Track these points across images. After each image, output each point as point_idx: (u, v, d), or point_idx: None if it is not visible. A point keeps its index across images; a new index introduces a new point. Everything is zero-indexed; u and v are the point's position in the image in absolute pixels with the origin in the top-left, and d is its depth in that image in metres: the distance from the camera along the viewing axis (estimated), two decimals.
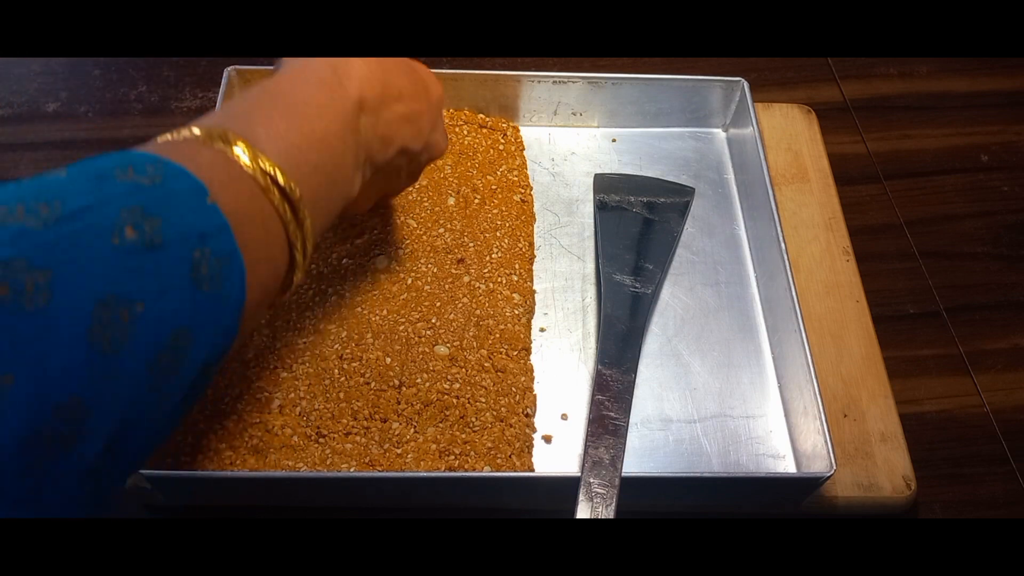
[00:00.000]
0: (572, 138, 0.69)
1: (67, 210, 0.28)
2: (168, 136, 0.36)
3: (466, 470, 0.50)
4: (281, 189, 0.36)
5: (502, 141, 0.66)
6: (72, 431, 0.27)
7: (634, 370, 0.54)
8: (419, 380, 0.53)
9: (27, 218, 0.27)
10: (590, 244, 0.62)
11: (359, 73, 0.43)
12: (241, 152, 0.35)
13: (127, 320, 0.28)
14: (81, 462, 0.28)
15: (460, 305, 0.56)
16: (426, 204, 0.61)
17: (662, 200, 0.64)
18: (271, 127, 0.37)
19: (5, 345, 0.25)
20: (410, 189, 0.62)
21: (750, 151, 0.64)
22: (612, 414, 0.51)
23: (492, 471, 0.50)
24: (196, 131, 0.35)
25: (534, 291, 0.59)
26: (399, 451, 0.50)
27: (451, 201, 0.61)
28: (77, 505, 0.29)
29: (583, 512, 0.47)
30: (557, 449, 0.53)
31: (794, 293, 0.55)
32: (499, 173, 0.64)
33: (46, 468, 0.27)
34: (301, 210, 0.37)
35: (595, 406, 0.52)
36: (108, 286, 0.28)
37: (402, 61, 0.48)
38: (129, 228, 0.29)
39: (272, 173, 0.36)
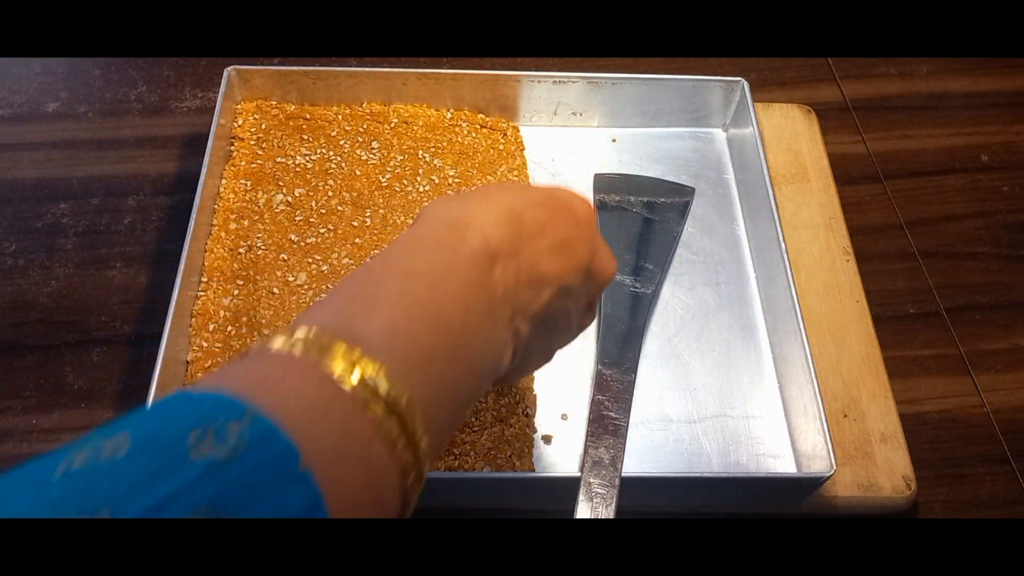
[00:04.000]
0: (572, 138, 0.69)
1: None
2: (269, 346, 0.30)
3: (466, 470, 0.50)
4: (385, 402, 0.29)
5: (502, 141, 0.66)
6: None
7: (634, 370, 0.54)
8: None
9: None
10: None
11: (481, 218, 0.36)
12: (336, 362, 0.29)
13: None
14: None
15: None
16: (427, 204, 0.61)
17: (662, 200, 0.64)
18: (374, 316, 0.31)
19: None
20: (410, 189, 0.62)
21: (750, 151, 0.64)
22: (612, 414, 0.51)
23: (492, 471, 0.50)
24: (299, 335, 0.30)
25: None
26: None
27: None
28: None
29: (583, 512, 0.47)
30: (557, 449, 0.53)
31: (794, 293, 0.55)
32: (499, 173, 0.64)
33: None
34: (412, 421, 0.30)
35: (595, 406, 0.52)
36: None
37: (533, 188, 0.41)
38: None
39: (374, 383, 0.29)
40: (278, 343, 0.30)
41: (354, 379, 0.29)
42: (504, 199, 0.38)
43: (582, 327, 0.45)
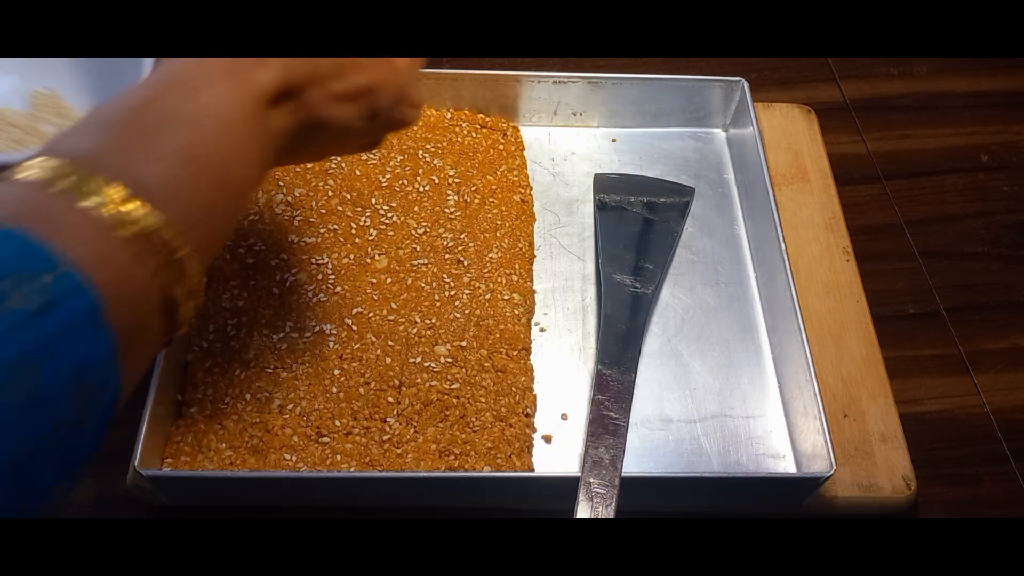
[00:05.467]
0: (572, 138, 0.69)
1: None
2: (34, 177, 0.30)
3: (466, 470, 0.50)
4: (166, 250, 0.32)
5: (502, 141, 0.66)
6: None
7: (634, 370, 0.54)
8: (419, 380, 0.53)
9: None
10: (590, 244, 0.62)
11: (280, 59, 0.37)
12: (113, 207, 0.30)
13: None
14: None
15: (460, 305, 0.56)
16: (426, 204, 0.61)
17: (662, 200, 0.64)
18: (155, 163, 0.32)
19: None
20: (410, 189, 0.62)
21: (750, 151, 0.64)
22: (612, 414, 0.51)
23: (492, 471, 0.50)
24: (64, 181, 0.30)
25: (534, 291, 0.59)
26: (399, 451, 0.50)
27: (451, 201, 0.61)
28: None
29: (583, 512, 0.47)
30: (557, 449, 0.53)
31: (794, 293, 0.55)
32: (499, 173, 0.64)
33: None
34: (189, 267, 0.33)
35: (595, 406, 0.52)
36: None
37: None
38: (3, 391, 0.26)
39: (155, 229, 0.31)
40: (40, 173, 0.30)
41: (136, 228, 0.30)
42: None
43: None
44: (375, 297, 0.56)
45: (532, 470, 0.51)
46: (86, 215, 0.30)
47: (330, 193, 0.61)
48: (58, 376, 0.27)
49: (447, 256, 0.59)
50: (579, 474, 0.48)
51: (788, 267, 0.57)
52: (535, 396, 0.54)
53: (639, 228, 0.62)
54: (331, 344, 0.54)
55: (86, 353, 0.28)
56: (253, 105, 0.35)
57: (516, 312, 0.57)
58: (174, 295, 0.33)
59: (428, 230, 0.60)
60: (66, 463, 0.29)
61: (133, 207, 0.31)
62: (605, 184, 0.65)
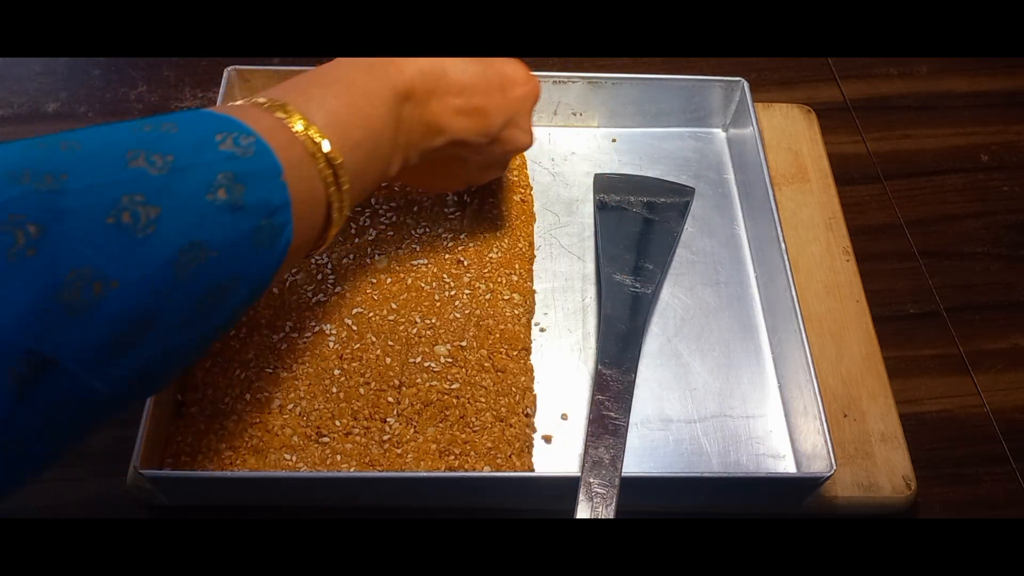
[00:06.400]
0: (572, 138, 0.69)
1: (177, 164, 0.35)
2: (242, 103, 0.43)
3: (466, 470, 0.50)
4: (326, 156, 0.42)
5: None
6: (137, 337, 0.34)
7: (634, 370, 0.54)
8: (419, 380, 0.53)
9: (147, 165, 0.34)
10: (590, 244, 0.62)
11: (415, 66, 0.47)
12: (296, 122, 0.41)
13: (203, 261, 0.35)
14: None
15: (460, 305, 0.56)
16: (426, 204, 0.61)
17: (662, 200, 0.64)
18: (323, 103, 0.43)
19: (122, 259, 0.32)
20: (409, 189, 0.62)
21: (750, 151, 0.64)
22: (612, 414, 0.51)
23: (492, 471, 0.50)
24: (261, 100, 0.42)
25: (534, 291, 0.59)
26: (399, 451, 0.50)
27: (451, 201, 0.61)
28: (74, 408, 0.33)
29: (583, 512, 0.47)
30: (557, 449, 0.53)
31: (794, 293, 0.55)
32: None
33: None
34: (342, 175, 0.42)
35: (595, 406, 0.52)
36: (197, 232, 0.35)
37: (484, 60, 0.51)
38: (222, 190, 0.36)
39: (319, 142, 0.41)
40: (252, 102, 0.42)
41: (308, 137, 0.41)
42: (439, 59, 0.49)
43: (487, 177, 0.58)
44: (375, 297, 0.56)
45: (532, 470, 0.51)
46: (275, 118, 0.41)
47: None
48: (259, 199, 0.37)
49: (447, 256, 0.59)
50: (579, 474, 0.48)
51: (788, 267, 0.57)
52: (535, 396, 0.54)
53: (639, 228, 0.62)
54: (331, 344, 0.54)
55: (270, 196, 0.38)
56: (388, 92, 0.46)
57: (516, 312, 0.57)
58: (330, 197, 0.42)
59: (428, 230, 0.60)
60: (250, 287, 0.39)
61: (307, 125, 0.41)
62: (605, 184, 0.65)
